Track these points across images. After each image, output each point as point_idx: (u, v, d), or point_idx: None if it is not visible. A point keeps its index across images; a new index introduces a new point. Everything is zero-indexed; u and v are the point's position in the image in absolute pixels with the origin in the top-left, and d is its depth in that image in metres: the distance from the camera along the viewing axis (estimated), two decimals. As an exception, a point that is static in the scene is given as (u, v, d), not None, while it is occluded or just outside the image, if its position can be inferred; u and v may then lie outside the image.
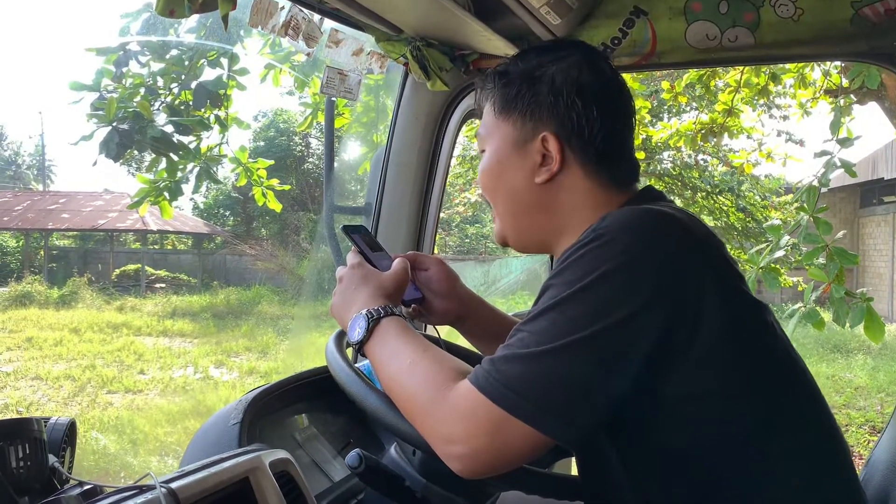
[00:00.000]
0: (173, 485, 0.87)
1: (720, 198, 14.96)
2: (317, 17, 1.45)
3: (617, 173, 1.13)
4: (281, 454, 1.12)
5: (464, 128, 2.19)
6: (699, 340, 0.91)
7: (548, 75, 1.11)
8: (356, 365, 1.23)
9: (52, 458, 0.97)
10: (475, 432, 0.90)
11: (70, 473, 1.01)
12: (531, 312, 0.95)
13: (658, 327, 0.90)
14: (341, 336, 1.24)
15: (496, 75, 1.17)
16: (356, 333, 1.08)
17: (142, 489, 0.85)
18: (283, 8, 1.37)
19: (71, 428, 1.05)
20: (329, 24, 1.52)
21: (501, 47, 1.65)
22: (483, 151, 1.19)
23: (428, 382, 0.97)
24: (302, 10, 1.41)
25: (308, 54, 1.48)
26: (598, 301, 0.90)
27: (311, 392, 1.51)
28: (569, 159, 1.11)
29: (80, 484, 0.94)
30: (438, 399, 0.94)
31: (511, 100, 1.14)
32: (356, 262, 1.18)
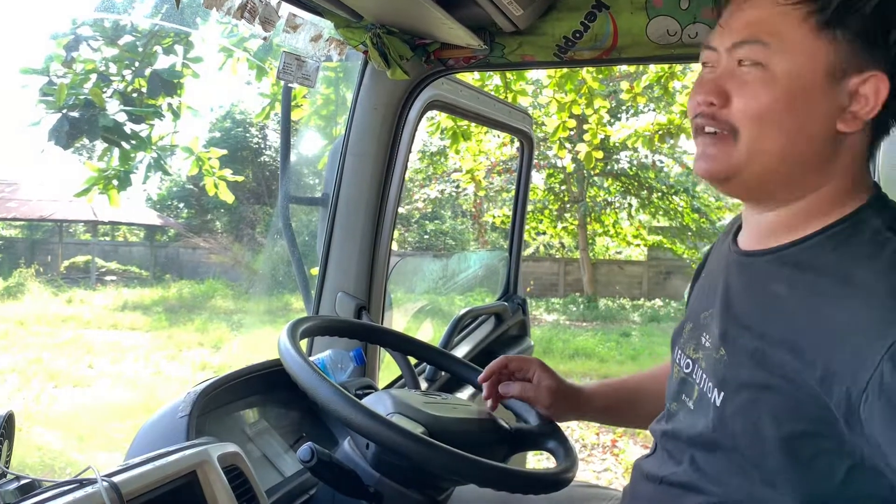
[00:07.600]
0: (116, 479, 0.84)
1: (675, 198, 15.23)
2: (274, 0, 1.42)
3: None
4: (230, 448, 1.09)
5: (424, 121, 2.17)
6: None
7: None
8: (310, 358, 1.21)
9: (-14, 452, 0.93)
10: None
11: (7, 467, 0.97)
12: None
13: None
14: (294, 328, 1.22)
15: None
16: None
17: (82, 483, 0.82)
18: (239, -11, 1.33)
19: (8, 420, 1.00)
20: (287, 8, 1.48)
21: (463, 37, 1.63)
22: (756, 64, 0.91)
23: None
24: (259, -7, 1.37)
25: (265, 38, 1.44)
26: None
27: (263, 385, 1.47)
28: (876, 118, 0.90)
29: (17, 478, 0.91)
30: None
31: (848, 16, 0.86)
32: None
